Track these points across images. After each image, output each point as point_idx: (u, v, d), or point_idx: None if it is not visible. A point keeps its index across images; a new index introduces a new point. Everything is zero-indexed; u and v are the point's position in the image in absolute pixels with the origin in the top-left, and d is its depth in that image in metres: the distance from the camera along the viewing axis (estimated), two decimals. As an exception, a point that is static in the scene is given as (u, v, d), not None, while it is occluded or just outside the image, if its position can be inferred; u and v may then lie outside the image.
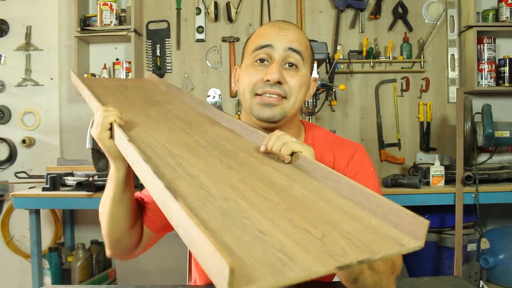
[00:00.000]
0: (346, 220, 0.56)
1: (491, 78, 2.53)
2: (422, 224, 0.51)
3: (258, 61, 0.93)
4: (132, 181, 0.91)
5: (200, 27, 2.67)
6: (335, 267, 0.45)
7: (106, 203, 0.91)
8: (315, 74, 2.16)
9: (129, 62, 2.60)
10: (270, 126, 0.93)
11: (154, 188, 0.57)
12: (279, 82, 0.90)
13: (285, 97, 0.91)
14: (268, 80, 0.90)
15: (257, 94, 0.92)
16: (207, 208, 0.55)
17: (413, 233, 0.52)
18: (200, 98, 1.09)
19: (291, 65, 0.92)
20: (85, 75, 2.60)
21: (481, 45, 2.52)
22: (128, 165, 0.84)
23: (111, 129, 0.81)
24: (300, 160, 0.74)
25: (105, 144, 0.82)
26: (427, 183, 2.17)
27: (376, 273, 0.75)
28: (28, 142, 2.66)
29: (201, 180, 0.64)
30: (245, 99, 0.95)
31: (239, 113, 2.52)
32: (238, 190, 0.62)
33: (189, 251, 1.18)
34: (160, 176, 0.56)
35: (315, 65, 2.16)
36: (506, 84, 2.51)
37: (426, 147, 2.60)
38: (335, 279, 1.06)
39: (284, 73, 0.91)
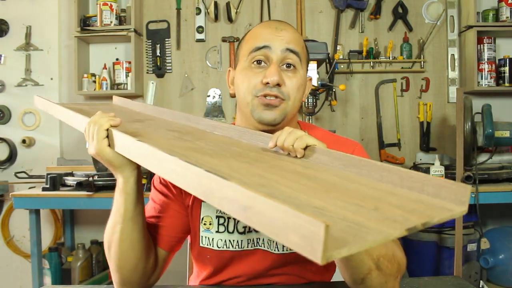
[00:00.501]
0: (387, 196, 0.56)
1: (491, 78, 2.53)
2: (463, 189, 0.52)
3: (256, 63, 0.91)
4: (142, 192, 0.85)
5: (200, 27, 2.67)
6: (404, 229, 0.44)
7: (117, 225, 0.83)
8: (315, 74, 2.16)
9: (129, 62, 2.60)
10: (270, 129, 0.92)
11: (189, 178, 0.52)
12: (278, 84, 0.88)
13: (284, 100, 0.90)
14: (268, 83, 0.88)
15: (257, 96, 0.91)
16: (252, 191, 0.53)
17: (455, 200, 0.53)
18: (180, 112, 1.04)
19: (289, 66, 0.91)
20: (85, 75, 2.60)
21: (481, 45, 2.52)
22: (138, 171, 0.80)
23: (107, 137, 0.75)
24: (316, 153, 0.72)
25: (105, 154, 0.75)
26: (427, 183, 2.16)
27: (384, 275, 0.75)
28: (28, 142, 2.66)
29: (227, 173, 0.60)
30: (245, 102, 0.92)
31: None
32: (269, 179, 0.59)
33: (189, 251, 1.18)
34: (194, 163, 0.51)
35: (315, 65, 2.16)
36: (506, 84, 2.51)
37: (426, 147, 2.60)
38: (334, 278, 1.06)
39: (282, 75, 0.90)
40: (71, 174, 2.26)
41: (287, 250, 0.92)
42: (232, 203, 0.45)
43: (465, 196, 0.52)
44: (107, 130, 0.75)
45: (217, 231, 0.95)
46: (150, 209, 0.97)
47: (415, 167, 2.41)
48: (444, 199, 0.54)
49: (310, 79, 1.02)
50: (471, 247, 2.26)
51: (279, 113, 0.91)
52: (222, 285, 0.98)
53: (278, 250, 0.93)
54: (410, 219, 0.47)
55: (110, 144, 0.75)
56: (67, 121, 0.91)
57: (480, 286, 2.07)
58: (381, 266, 0.74)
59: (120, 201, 0.81)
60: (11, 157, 2.68)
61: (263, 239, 0.94)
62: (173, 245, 0.95)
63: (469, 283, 0.99)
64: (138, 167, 0.81)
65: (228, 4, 2.64)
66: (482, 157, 2.32)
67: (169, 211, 0.95)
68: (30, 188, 2.43)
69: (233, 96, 0.98)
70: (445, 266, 2.22)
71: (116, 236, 0.84)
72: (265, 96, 0.90)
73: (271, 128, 0.92)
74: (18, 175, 2.48)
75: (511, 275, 2.21)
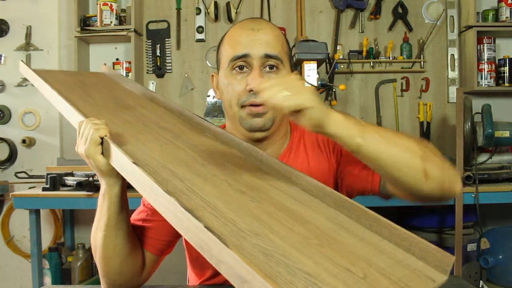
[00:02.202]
0: (375, 253, 0.57)
1: (491, 78, 2.53)
2: (447, 259, 0.55)
3: (237, 68, 0.90)
4: (127, 198, 0.83)
5: (200, 27, 2.67)
6: None
7: (100, 231, 0.82)
8: (315, 74, 2.16)
9: (129, 62, 2.60)
10: (261, 135, 0.92)
11: (186, 225, 0.52)
12: None
13: None
14: (251, 90, 0.87)
15: (244, 106, 0.90)
16: (245, 247, 0.52)
17: (438, 267, 0.55)
18: (167, 100, 1.02)
19: (272, 67, 0.90)
20: (85, 75, 2.60)
21: (481, 45, 2.52)
22: (123, 179, 0.78)
23: (101, 143, 0.73)
24: (307, 184, 0.73)
25: (95, 161, 0.73)
26: (427, 183, 2.16)
27: (432, 162, 0.72)
28: (28, 142, 2.66)
29: (222, 211, 0.60)
30: (232, 111, 0.92)
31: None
32: (263, 222, 0.60)
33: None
34: (194, 214, 0.51)
35: (315, 65, 2.16)
36: (506, 84, 2.51)
37: (426, 147, 2.60)
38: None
39: (265, 79, 0.88)
40: (71, 174, 2.26)
41: None
42: (230, 270, 0.46)
43: (447, 266, 0.55)
44: (102, 138, 0.73)
45: None
46: (140, 212, 0.96)
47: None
48: (428, 263, 0.56)
49: (296, 74, 1.01)
50: (471, 247, 2.26)
51: (268, 118, 0.91)
52: (222, 285, 0.98)
53: None
54: None
55: (104, 153, 0.73)
56: (50, 99, 0.90)
57: (480, 286, 2.07)
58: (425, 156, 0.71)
59: (104, 208, 0.81)
60: (11, 157, 2.68)
61: None
62: (162, 248, 0.94)
63: (469, 283, 0.99)
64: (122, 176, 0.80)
65: (228, 4, 2.64)
66: (482, 157, 2.31)
67: (158, 215, 0.93)
68: (30, 188, 2.42)
69: (219, 98, 0.98)
70: (445, 266, 2.22)
71: (99, 242, 0.83)
72: (251, 105, 0.89)
73: (263, 134, 0.92)
74: (18, 175, 2.48)
75: (511, 275, 2.21)
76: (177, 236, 0.97)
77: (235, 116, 0.92)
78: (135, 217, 0.96)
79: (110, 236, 0.82)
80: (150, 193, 0.59)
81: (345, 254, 0.56)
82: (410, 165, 0.69)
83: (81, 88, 1.02)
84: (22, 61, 1.03)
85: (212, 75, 1.01)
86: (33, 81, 0.98)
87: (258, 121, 0.90)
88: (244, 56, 0.89)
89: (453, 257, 0.55)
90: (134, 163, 0.63)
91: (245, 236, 0.54)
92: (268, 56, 0.89)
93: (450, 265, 0.54)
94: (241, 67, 0.90)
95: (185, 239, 0.99)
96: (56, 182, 2.14)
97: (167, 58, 2.71)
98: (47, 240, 2.64)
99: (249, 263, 0.44)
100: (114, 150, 0.70)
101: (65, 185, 2.18)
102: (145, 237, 0.93)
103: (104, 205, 0.80)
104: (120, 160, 0.68)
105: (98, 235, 0.83)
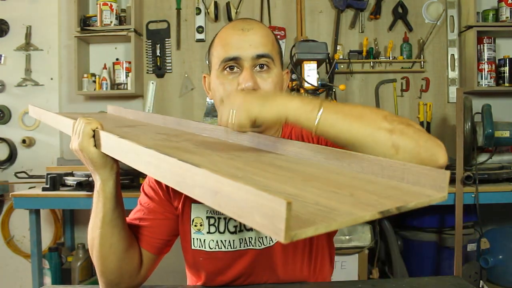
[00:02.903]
0: (366, 184, 0.56)
1: (491, 78, 2.53)
2: (442, 175, 0.53)
3: (228, 69, 0.90)
4: (121, 195, 0.85)
5: (200, 27, 2.67)
6: (377, 212, 0.45)
7: (96, 229, 0.84)
8: (315, 74, 2.16)
9: (129, 62, 2.60)
10: (254, 130, 0.93)
11: (163, 169, 0.53)
12: (253, 89, 0.88)
13: None
14: (243, 89, 0.88)
15: None
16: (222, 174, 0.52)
17: (434, 186, 0.54)
18: (171, 117, 1.05)
19: (262, 66, 0.90)
20: (85, 75, 2.60)
21: (481, 45, 2.52)
22: (117, 175, 0.81)
23: (93, 137, 0.76)
24: (299, 147, 0.73)
25: (89, 152, 0.76)
26: (427, 183, 2.16)
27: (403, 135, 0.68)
28: (28, 142, 2.66)
29: (208, 166, 0.61)
30: None
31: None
32: (246, 171, 0.59)
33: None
34: (171, 154, 0.52)
35: (315, 65, 2.16)
36: (506, 84, 2.51)
37: (426, 147, 2.60)
38: (333, 278, 1.06)
39: (256, 78, 0.89)
40: (71, 174, 2.26)
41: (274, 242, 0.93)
42: (203, 189, 0.45)
43: (444, 182, 0.53)
44: (94, 130, 0.75)
45: (208, 232, 0.95)
46: (137, 211, 0.97)
47: (415, 167, 2.41)
48: (423, 186, 0.55)
49: (287, 72, 1.01)
50: (471, 247, 2.26)
51: None
52: (222, 285, 0.98)
53: (269, 245, 0.93)
54: (385, 203, 0.47)
55: (96, 145, 0.76)
56: (56, 125, 0.93)
57: (480, 286, 2.07)
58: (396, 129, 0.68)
59: (99, 205, 0.82)
60: (11, 157, 2.68)
61: (255, 238, 0.94)
62: (159, 247, 0.95)
63: (469, 283, 0.99)
64: (117, 171, 0.82)
65: (228, 4, 2.64)
66: (482, 157, 2.32)
67: (155, 214, 0.96)
68: (30, 188, 2.43)
69: (211, 99, 0.98)
70: (445, 266, 2.22)
71: (96, 240, 0.85)
72: None
73: (256, 130, 0.92)
74: (18, 175, 2.49)
75: (511, 275, 2.21)
76: (175, 234, 0.98)
77: None
78: (132, 217, 0.97)
79: (106, 233, 0.83)
80: (134, 157, 0.60)
81: (332, 184, 0.55)
82: (376, 139, 0.67)
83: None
84: (31, 105, 1.08)
85: (204, 76, 1.02)
86: (42, 117, 1.02)
87: None
88: (234, 59, 0.89)
89: (448, 172, 0.53)
90: (120, 137, 0.65)
91: (227, 173, 0.53)
92: (259, 56, 0.89)
93: (446, 181, 0.53)
94: (231, 67, 0.90)
95: (182, 242, 1.00)
96: (56, 182, 2.14)
97: (167, 58, 2.71)
98: (47, 240, 2.64)
99: (216, 172, 0.43)
100: (103, 134, 0.72)
101: (65, 185, 2.18)
102: (142, 236, 0.94)
103: (99, 201, 0.82)
104: (108, 142, 0.71)
105: (95, 233, 0.84)
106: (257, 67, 0.90)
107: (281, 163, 0.67)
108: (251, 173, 0.58)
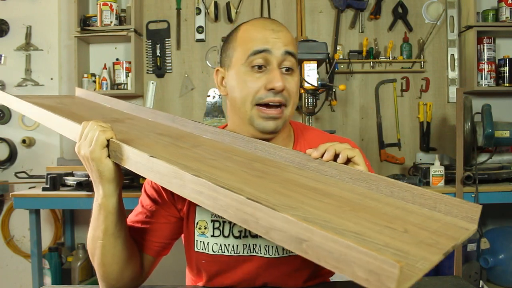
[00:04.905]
0: (405, 214, 0.59)
1: (491, 78, 2.53)
2: (475, 209, 0.56)
3: (256, 67, 0.88)
4: (124, 207, 0.82)
5: (200, 27, 2.67)
6: (442, 254, 0.47)
7: (98, 240, 0.81)
8: (315, 74, 2.16)
9: (129, 62, 2.60)
10: (270, 136, 0.92)
11: (223, 203, 0.50)
12: (281, 90, 0.87)
13: (285, 105, 0.89)
14: (272, 89, 0.86)
15: (258, 104, 0.88)
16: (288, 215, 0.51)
17: (466, 218, 0.57)
18: (163, 112, 1.01)
19: (287, 69, 0.90)
20: (85, 75, 2.60)
21: (481, 45, 2.52)
22: (120, 188, 0.78)
23: (107, 146, 0.71)
24: (324, 165, 0.73)
25: (101, 164, 0.72)
26: (427, 183, 2.16)
27: None
28: (28, 142, 2.66)
29: (250, 191, 0.59)
30: (244, 109, 0.90)
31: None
32: (292, 198, 0.59)
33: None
34: (228, 188, 0.50)
35: (315, 65, 2.16)
36: (506, 84, 2.51)
37: (426, 147, 2.60)
38: (333, 278, 1.06)
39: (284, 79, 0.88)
40: (71, 174, 2.26)
41: (286, 253, 0.92)
42: (283, 234, 0.44)
43: (476, 215, 0.56)
44: (108, 140, 0.72)
45: (213, 235, 0.93)
46: (138, 213, 0.96)
47: (415, 167, 2.41)
48: (456, 216, 0.58)
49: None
50: (471, 247, 2.26)
51: (281, 122, 0.90)
52: (222, 285, 0.98)
53: (279, 255, 0.92)
54: (441, 242, 0.50)
55: (111, 156, 0.72)
56: (41, 120, 0.88)
57: (480, 286, 2.07)
58: None
59: (100, 218, 0.79)
60: (11, 157, 2.68)
61: (260, 245, 0.92)
62: (159, 250, 0.95)
63: (469, 283, 0.99)
64: (121, 184, 0.79)
65: (228, 4, 2.64)
66: (482, 157, 2.31)
67: (157, 217, 0.94)
68: (30, 188, 2.43)
69: (225, 95, 0.97)
70: (445, 266, 2.22)
71: (98, 250, 0.83)
72: (266, 104, 0.88)
73: (271, 135, 0.92)
74: (18, 175, 2.48)
75: (511, 275, 2.21)
76: (175, 238, 0.98)
77: (245, 114, 0.90)
78: (133, 219, 0.96)
79: (109, 245, 0.81)
80: (176, 181, 0.57)
81: (379, 216, 0.57)
82: None
83: (63, 108, 1.01)
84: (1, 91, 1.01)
85: (217, 70, 0.98)
86: (10, 103, 0.95)
87: (271, 123, 0.89)
88: (264, 51, 0.87)
89: (479, 206, 0.56)
90: (151, 156, 0.61)
91: (284, 209, 0.54)
92: (287, 53, 0.88)
93: (478, 214, 0.56)
94: (259, 66, 0.88)
95: (184, 243, 1.00)
96: (56, 182, 2.14)
97: (167, 58, 2.71)
98: (47, 240, 2.64)
99: (304, 221, 0.43)
100: (127, 149, 0.67)
101: (65, 185, 2.18)
102: (143, 239, 0.93)
103: (100, 214, 0.79)
104: (135, 158, 0.65)
105: (96, 243, 0.82)
106: (283, 69, 0.89)
107: (312, 184, 0.67)
108: (299, 202, 0.58)
